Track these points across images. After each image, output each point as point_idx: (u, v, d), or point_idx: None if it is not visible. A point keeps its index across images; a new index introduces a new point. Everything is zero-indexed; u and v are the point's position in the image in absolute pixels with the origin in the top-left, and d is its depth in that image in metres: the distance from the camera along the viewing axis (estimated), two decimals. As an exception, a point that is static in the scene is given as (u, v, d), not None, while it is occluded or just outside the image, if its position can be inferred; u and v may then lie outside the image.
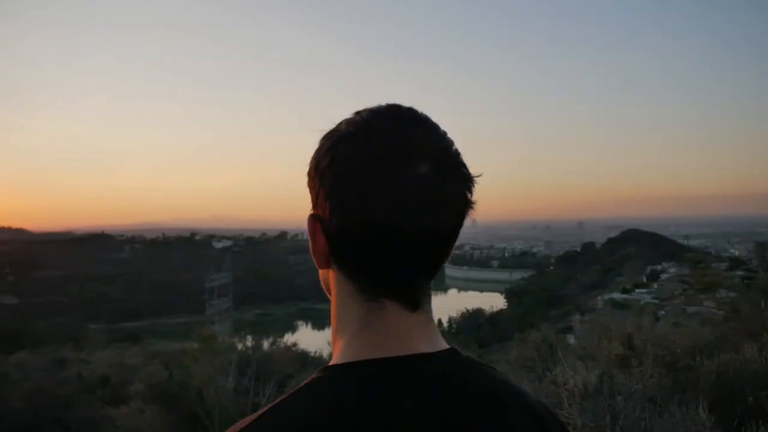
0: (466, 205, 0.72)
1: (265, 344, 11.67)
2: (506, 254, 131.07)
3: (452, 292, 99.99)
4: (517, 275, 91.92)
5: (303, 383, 0.69)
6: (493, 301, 66.96)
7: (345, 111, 0.74)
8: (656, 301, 35.55)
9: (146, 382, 7.27)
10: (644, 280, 53.29)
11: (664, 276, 53.63)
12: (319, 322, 57.40)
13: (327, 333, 9.58)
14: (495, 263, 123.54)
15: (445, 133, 0.73)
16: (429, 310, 0.75)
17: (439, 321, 52.55)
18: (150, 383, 7.16)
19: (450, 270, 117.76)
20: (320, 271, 0.78)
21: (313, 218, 0.73)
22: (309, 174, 0.73)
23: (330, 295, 0.77)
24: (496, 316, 55.54)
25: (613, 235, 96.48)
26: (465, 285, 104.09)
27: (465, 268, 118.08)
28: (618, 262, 71.44)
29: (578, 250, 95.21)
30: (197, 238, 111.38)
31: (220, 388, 6.75)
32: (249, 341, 12.27)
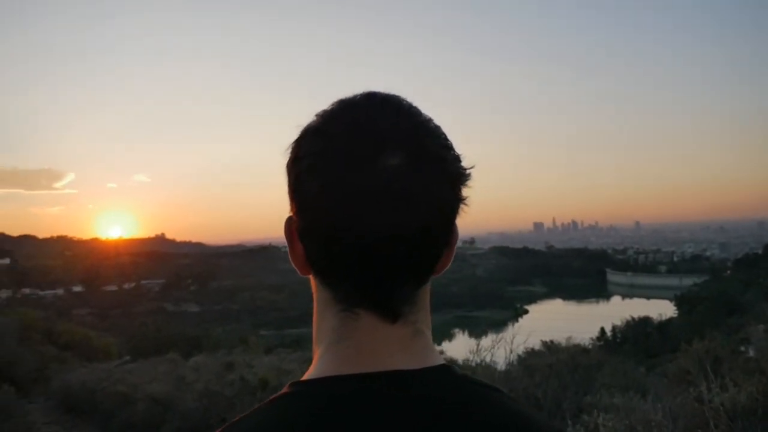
0: (451, 201, 0.63)
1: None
2: (675, 258, 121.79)
3: (615, 299, 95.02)
4: (689, 281, 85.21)
5: (267, 399, 0.63)
6: (662, 309, 62.43)
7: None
8: None
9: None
10: (842, 285, 47.20)
11: None
12: (476, 329, 57.01)
13: (482, 341, 9.52)
14: (662, 268, 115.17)
15: (427, 121, 0.64)
16: (416, 321, 0.65)
17: (602, 329, 50.08)
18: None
19: (612, 276, 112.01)
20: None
21: (289, 221, 0.66)
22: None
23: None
24: (665, 325, 51.87)
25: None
26: (629, 291, 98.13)
27: (629, 273, 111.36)
28: (809, 264, 63.83)
29: (759, 252, 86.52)
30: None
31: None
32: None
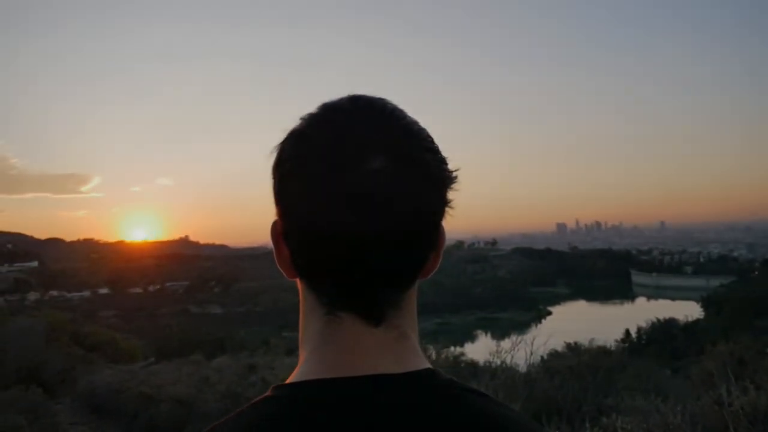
0: (435, 204, 0.63)
1: (433, 353, 11.77)
2: (701, 259, 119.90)
3: (640, 300, 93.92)
4: (715, 282, 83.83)
5: (250, 403, 0.63)
6: (688, 310, 61.49)
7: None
8: None
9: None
10: None
11: None
12: (498, 332, 56.74)
13: (504, 342, 9.47)
14: (688, 269, 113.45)
15: (411, 124, 0.64)
16: (400, 325, 0.65)
17: (627, 331, 49.50)
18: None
19: (637, 277, 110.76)
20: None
21: (274, 225, 0.67)
22: None
23: None
24: (691, 327, 51.08)
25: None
26: (654, 293, 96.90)
27: (654, 274, 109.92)
28: (840, 265, 62.42)
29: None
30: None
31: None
32: (431, 351, 12.40)
